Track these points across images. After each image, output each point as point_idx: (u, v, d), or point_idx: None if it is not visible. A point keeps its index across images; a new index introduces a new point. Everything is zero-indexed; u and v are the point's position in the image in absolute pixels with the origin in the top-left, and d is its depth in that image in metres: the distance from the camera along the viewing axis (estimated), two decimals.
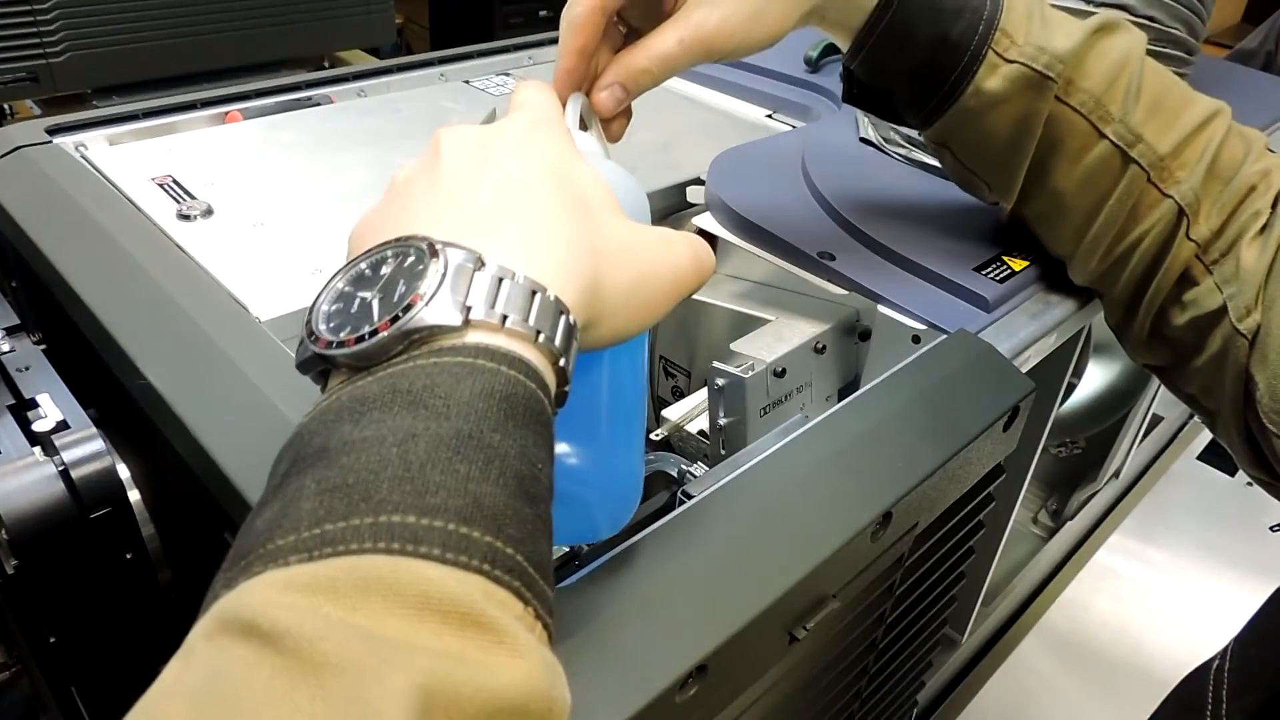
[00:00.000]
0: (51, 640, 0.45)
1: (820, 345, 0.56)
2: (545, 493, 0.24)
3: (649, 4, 0.43)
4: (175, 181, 0.58)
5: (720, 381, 0.51)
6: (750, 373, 0.51)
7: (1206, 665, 0.49)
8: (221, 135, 0.66)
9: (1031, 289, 0.53)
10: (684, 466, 0.51)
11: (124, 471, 0.45)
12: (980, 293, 0.50)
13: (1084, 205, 0.48)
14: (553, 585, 0.23)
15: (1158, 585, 0.93)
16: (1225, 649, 0.48)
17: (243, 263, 0.50)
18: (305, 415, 0.24)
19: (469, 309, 0.24)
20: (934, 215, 0.57)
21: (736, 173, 0.60)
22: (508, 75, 0.82)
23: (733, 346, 0.54)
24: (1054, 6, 0.47)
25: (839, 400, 0.46)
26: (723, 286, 0.62)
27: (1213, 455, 1.09)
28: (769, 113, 0.78)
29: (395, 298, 0.25)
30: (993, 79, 0.45)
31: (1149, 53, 0.47)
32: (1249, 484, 0.77)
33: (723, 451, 0.53)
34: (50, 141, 0.61)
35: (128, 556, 0.46)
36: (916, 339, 0.49)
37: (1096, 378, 0.91)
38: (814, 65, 0.78)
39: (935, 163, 0.55)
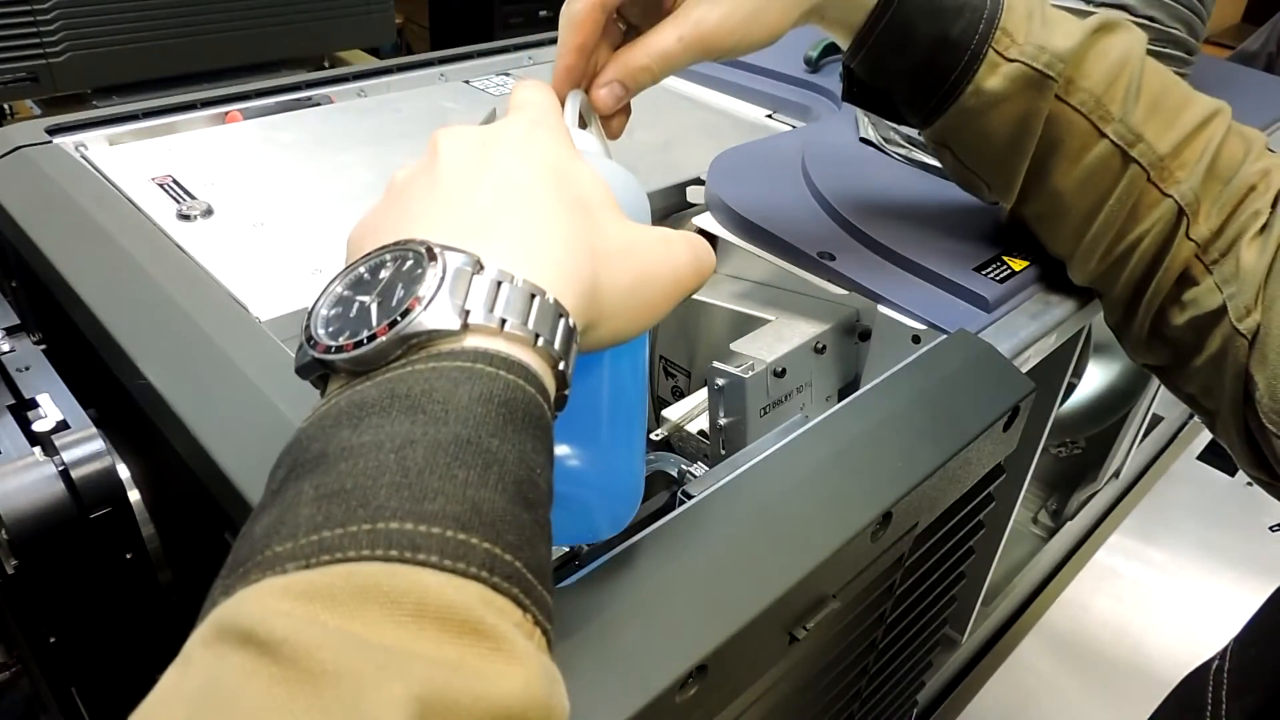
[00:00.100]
0: (51, 640, 0.45)
1: (820, 345, 0.56)
2: (544, 498, 0.24)
3: (648, 1, 0.43)
4: (175, 181, 0.58)
5: (720, 381, 0.51)
6: (750, 373, 0.51)
7: (1206, 665, 0.49)
8: (221, 135, 0.66)
9: (1031, 289, 0.53)
10: (684, 466, 0.51)
11: (124, 471, 0.45)
12: (980, 293, 0.50)
13: (1084, 205, 0.48)
14: (552, 591, 0.23)
15: (1158, 585, 0.93)
16: (1225, 649, 0.48)
17: (243, 263, 0.50)
18: (304, 420, 0.24)
19: (468, 313, 0.24)
20: (934, 215, 0.57)
21: (736, 173, 0.60)
22: (508, 75, 0.82)
23: (733, 346, 0.54)
24: (1054, 6, 0.47)
25: (839, 400, 0.46)
26: (723, 286, 0.62)
27: (1213, 455, 1.09)
28: (769, 113, 0.78)
29: (394, 302, 0.25)
30: (993, 78, 0.45)
31: (1149, 53, 0.47)
32: (1249, 484, 0.77)
33: (723, 451, 0.53)
34: (50, 141, 0.61)
35: (128, 556, 0.46)
36: (916, 339, 0.49)
37: (1096, 378, 0.91)
38: (814, 65, 0.78)
39: (935, 163, 0.55)
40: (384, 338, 0.24)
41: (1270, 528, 0.99)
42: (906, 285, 0.51)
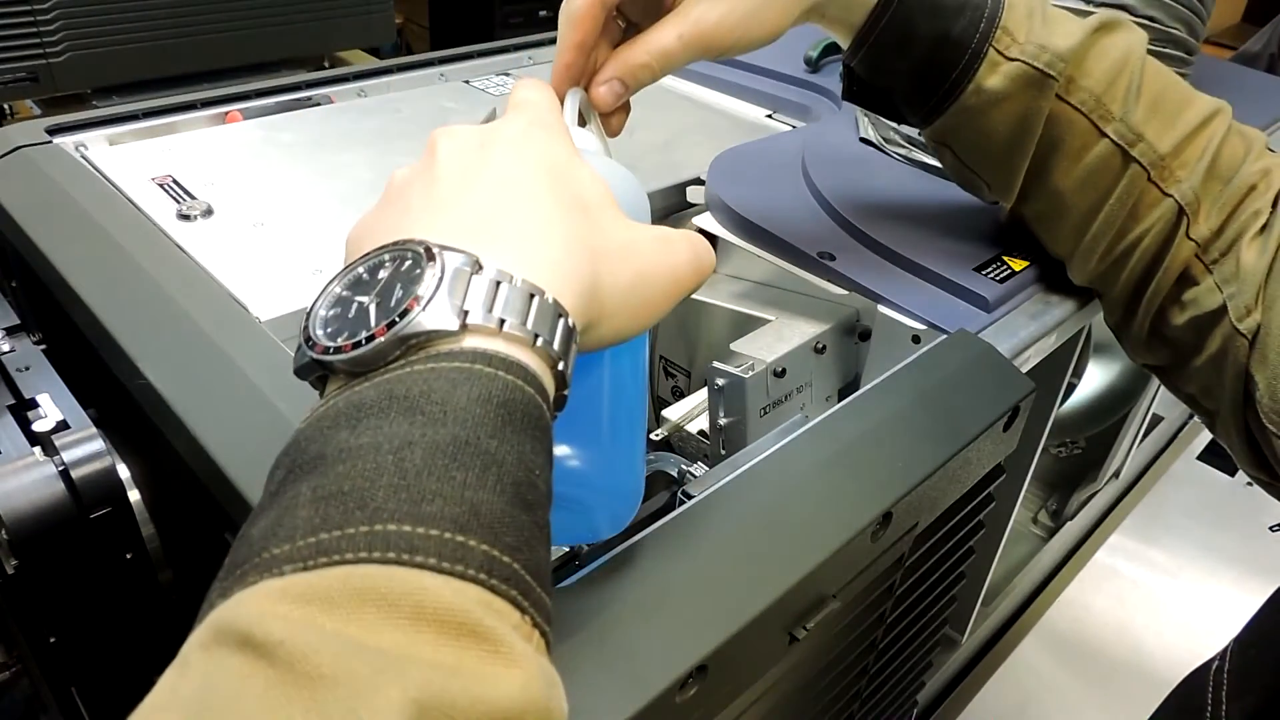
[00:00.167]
0: (51, 640, 0.45)
1: (820, 345, 0.56)
2: (543, 499, 0.24)
3: None
4: (175, 181, 0.58)
5: (720, 381, 0.51)
6: (750, 373, 0.51)
7: (1206, 666, 0.49)
8: (221, 135, 0.66)
9: (1031, 289, 0.53)
10: (684, 466, 0.51)
11: (124, 471, 0.45)
12: (980, 293, 0.50)
13: (1084, 204, 0.48)
14: (551, 593, 0.23)
15: (1158, 585, 0.93)
16: (1225, 650, 0.48)
17: (243, 263, 0.50)
18: (302, 421, 0.24)
19: (466, 313, 0.24)
20: (934, 215, 0.57)
21: (736, 173, 0.60)
22: (508, 75, 0.82)
23: (733, 346, 0.54)
24: (1055, 6, 0.47)
25: (839, 400, 0.46)
26: (723, 286, 0.62)
27: (1213, 455, 1.09)
28: (769, 113, 0.78)
29: (392, 302, 0.25)
30: (993, 77, 0.45)
31: (1149, 53, 0.47)
32: (1249, 484, 0.77)
33: (723, 451, 0.53)
34: (50, 141, 0.61)
35: (128, 556, 0.46)
36: (916, 339, 0.49)
37: (1096, 378, 0.91)
38: (814, 65, 0.78)
39: (935, 163, 0.55)
40: (382, 338, 0.24)
41: (1270, 528, 0.99)
42: (906, 285, 0.51)
